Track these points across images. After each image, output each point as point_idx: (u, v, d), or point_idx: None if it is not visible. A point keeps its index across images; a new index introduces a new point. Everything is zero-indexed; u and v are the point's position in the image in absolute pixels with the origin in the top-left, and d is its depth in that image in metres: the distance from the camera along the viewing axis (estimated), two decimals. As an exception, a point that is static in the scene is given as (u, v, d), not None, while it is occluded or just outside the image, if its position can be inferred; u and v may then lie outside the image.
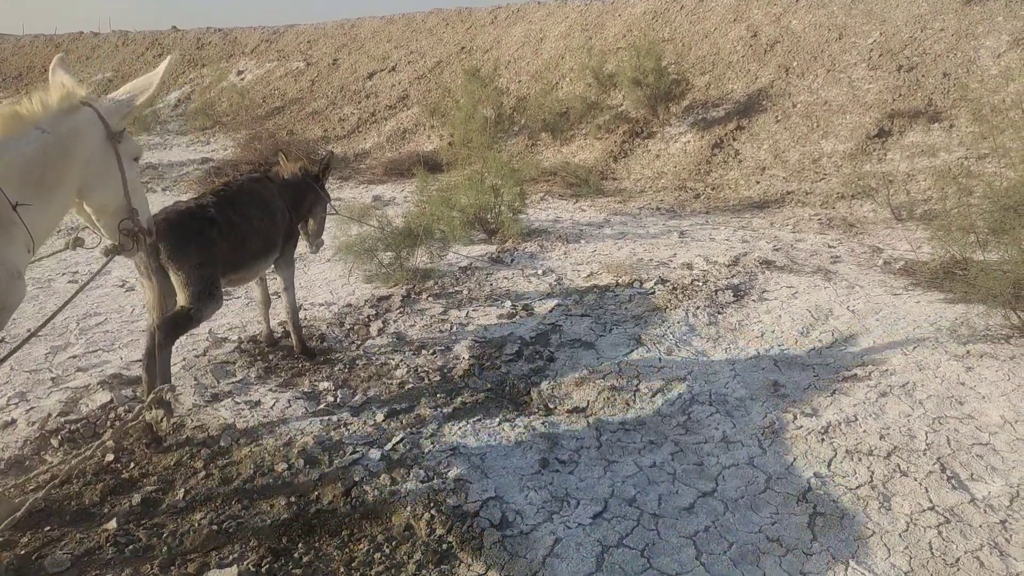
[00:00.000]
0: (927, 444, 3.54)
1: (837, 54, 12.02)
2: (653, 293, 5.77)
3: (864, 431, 3.69)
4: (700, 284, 5.93)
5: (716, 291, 5.75)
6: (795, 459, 3.49)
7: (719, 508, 3.14)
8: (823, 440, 3.63)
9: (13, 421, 3.94)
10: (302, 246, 5.12)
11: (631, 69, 11.89)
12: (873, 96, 10.81)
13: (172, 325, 3.71)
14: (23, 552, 2.89)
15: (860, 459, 3.46)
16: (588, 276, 6.31)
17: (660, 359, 4.63)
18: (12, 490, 3.29)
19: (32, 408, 4.06)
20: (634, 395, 4.18)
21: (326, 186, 5.06)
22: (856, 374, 4.33)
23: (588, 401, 4.14)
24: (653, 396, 4.17)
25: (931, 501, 3.14)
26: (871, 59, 11.55)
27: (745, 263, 6.48)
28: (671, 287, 5.87)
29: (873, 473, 3.35)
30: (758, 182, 9.89)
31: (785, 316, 5.24)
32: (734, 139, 11.10)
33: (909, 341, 4.70)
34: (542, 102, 12.87)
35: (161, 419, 3.63)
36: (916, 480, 3.28)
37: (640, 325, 5.18)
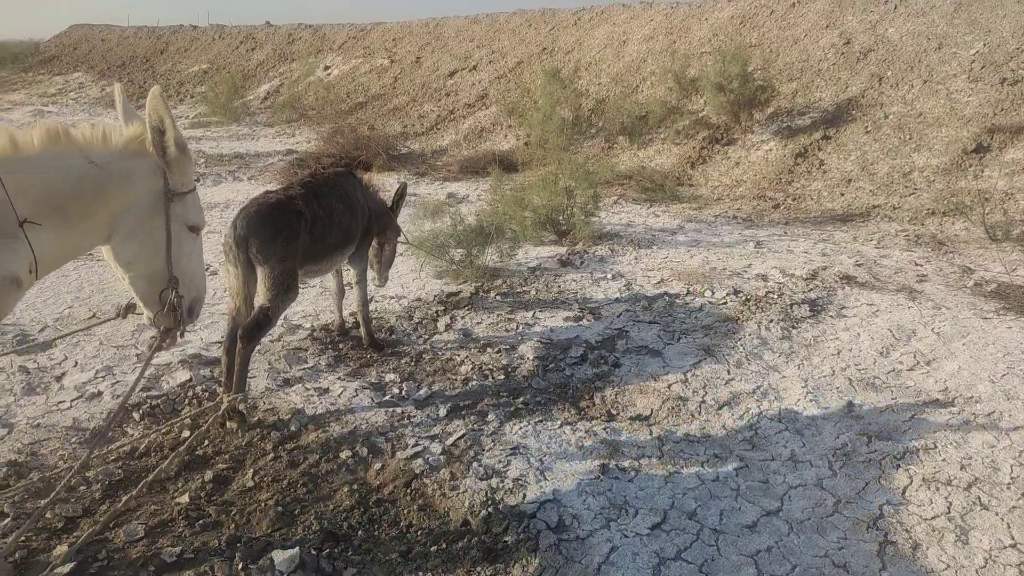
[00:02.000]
0: (1012, 478, 3.35)
1: (935, 64, 11.46)
2: (725, 303, 5.64)
3: (943, 459, 3.51)
4: (775, 297, 5.76)
5: (791, 305, 5.58)
6: (867, 484, 3.35)
7: (783, 528, 3.05)
8: (898, 466, 3.47)
9: (99, 393, 4.16)
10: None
11: (715, 74, 11.63)
12: (972, 109, 10.26)
13: (254, 328, 3.84)
14: (100, 520, 3.05)
15: (938, 488, 3.29)
16: (658, 283, 6.22)
17: (729, 371, 4.52)
18: (95, 459, 3.48)
19: (117, 382, 4.29)
20: (700, 407, 4.10)
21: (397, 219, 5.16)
22: (938, 399, 4.13)
23: (652, 409, 4.08)
24: (720, 409, 4.07)
25: (1013, 538, 2.96)
26: (972, 71, 10.97)
27: (824, 277, 6.26)
28: (744, 298, 5.72)
29: (951, 504, 3.19)
30: (842, 194, 9.54)
31: (864, 334, 5.04)
32: (819, 149, 10.73)
33: (998, 368, 4.45)
34: (621, 105, 12.75)
35: (236, 428, 3.78)
36: (998, 515, 3.10)
37: (710, 335, 5.07)
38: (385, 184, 8.62)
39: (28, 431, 3.74)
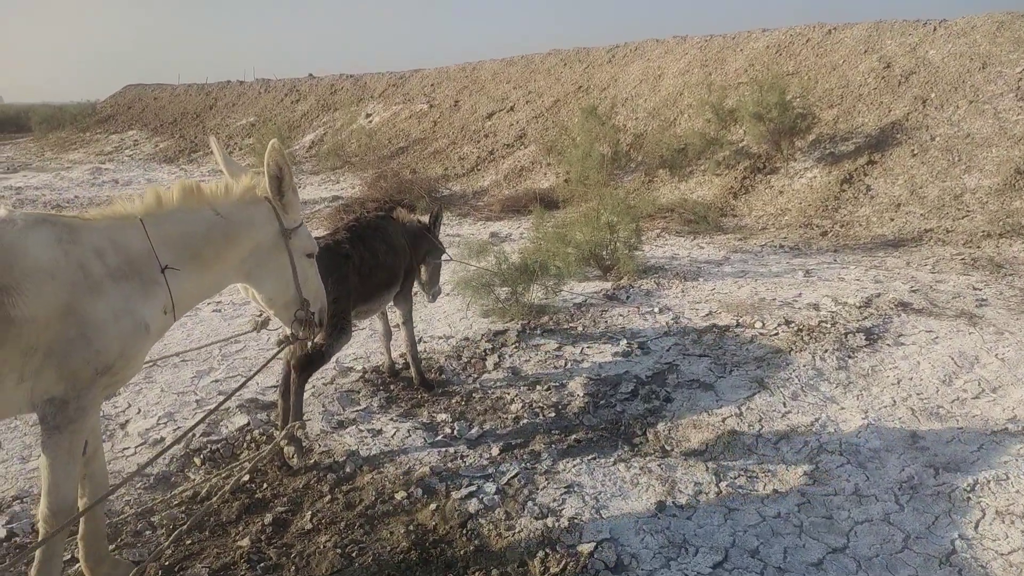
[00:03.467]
0: (1094, 510, 3.19)
1: (980, 84, 11.27)
2: (776, 334, 5.55)
3: (1017, 491, 3.37)
4: (828, 326, 5.65)
5: (846, 334, 5.46)
6: (937, 518, 3.23)
7: (851, 566, 2.95)
8: (969, 499, 3.34)
9: (162, 439, 4.27)
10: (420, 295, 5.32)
11: (753, 104, 11.62)
12: (1022, 128, 10.03)
13: (307, 364, 3.95)
14: (167, 563, 3.11)
15: (1013, 522, 3.15)
16: (707, 315, 6.16)
17: (785, 404, 4.44)
18: (160, 506, 3.56)
19: (179, 428, 4.40)
20: (756, 440, 4.02)
21: (439, 237, 5.24)
22: (1007, 428, 3.98)
23: (707, 444, 4.02)
24: (777, 443, 3.99)
25: (1100, 575, 2.81)
26: (1020, 89, 10.76)
27: (878, 304, 6.13)
28: (796, 328, 5.62)
29: (1029, 539, 3.05)
30: (892, 219, 9.36)
31: (924, 363, 4.90)
32: (865, 174, 10.58)
33: (1070, 394, 4.27)
34: (660, 138, 12.80)
35: (292, 455, 3.87)
36: (1082, 550, 2.96)
37: (762, 367, 4.99)
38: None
39: (95, 478, 3.84)
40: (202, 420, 3.27)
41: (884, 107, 11.83)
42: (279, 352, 3.40)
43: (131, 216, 2.56)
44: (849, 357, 5.08)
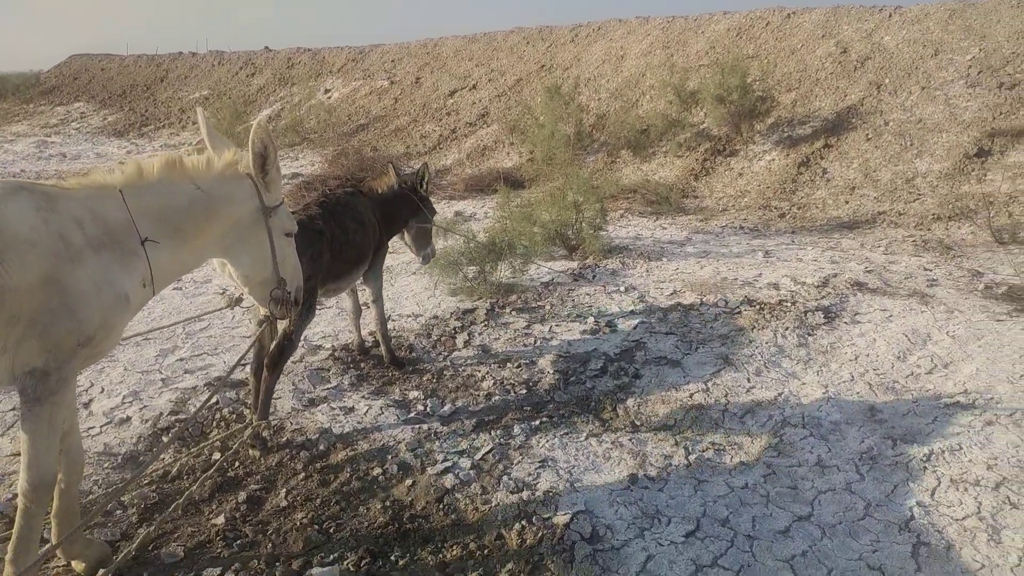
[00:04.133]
0: (1040, 478, 3.37)
1: (933, 71, 11.60)
2: (739, 313, 5.69)
3: (970, 460, 3.54)
4: (788, 305, 5.81)
5: (805, 312, 5.63)
6: (896, 487, 3.38)
7: (816, 533, 3.07)
8: (925, 468, 3.50)
9: (128, 419, 4.20)
10: (395, 259, 5.26)
11: (714, 86, 11.77)
12: (971, 114, 10.37)
13: (278, 356, 3.90)
14: (140, 543, 3.07)
15: (966, 489, 3.32)
16: (671, 294, 6.27)
17: (749, 379, 4.56)
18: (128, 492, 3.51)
19: (145, 407, 4.32)
20: (723, 415, 4.13)
21: (429, 198, 5.16)
22: (959, 401, 4.16)
23: (676, 419, 4.12)
24: (743, 417, 4.11)
25: (1046, 537, 2.99)
26: (969, 76, 11.10)
27: (835, 284, 6.31)
28: (758, 307, 5.77)
29: (981, 504, 3.21)
30: (847, 202, 9.62)
31: (880, 340, 5.08)
32: (822, 157, 10.83)
33: (1016, 369, 4.49)
34: (623, 119, 12.88)
35: (259, 457, 3.79)
36: (1029, 515, 3.13)
37: (727, 345, 5.11)
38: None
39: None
40: (209, 400, 3.21)
41: (840, 92, 12.10)
42: (259, 332, 3.39)
43: (110, 186, 2.53)
44: (809, 335, 5.24)
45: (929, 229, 8.38)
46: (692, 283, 6.55)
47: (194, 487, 3.31)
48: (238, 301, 3.36)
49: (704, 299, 6.06)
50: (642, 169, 12.21)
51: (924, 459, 3.57)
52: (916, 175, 9.78)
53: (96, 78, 31.35)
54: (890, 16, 13.39)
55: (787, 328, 5.33)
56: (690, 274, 6.90)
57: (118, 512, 3.32)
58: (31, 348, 2.32)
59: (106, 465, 3.72)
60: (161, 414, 4.22)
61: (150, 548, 3.05)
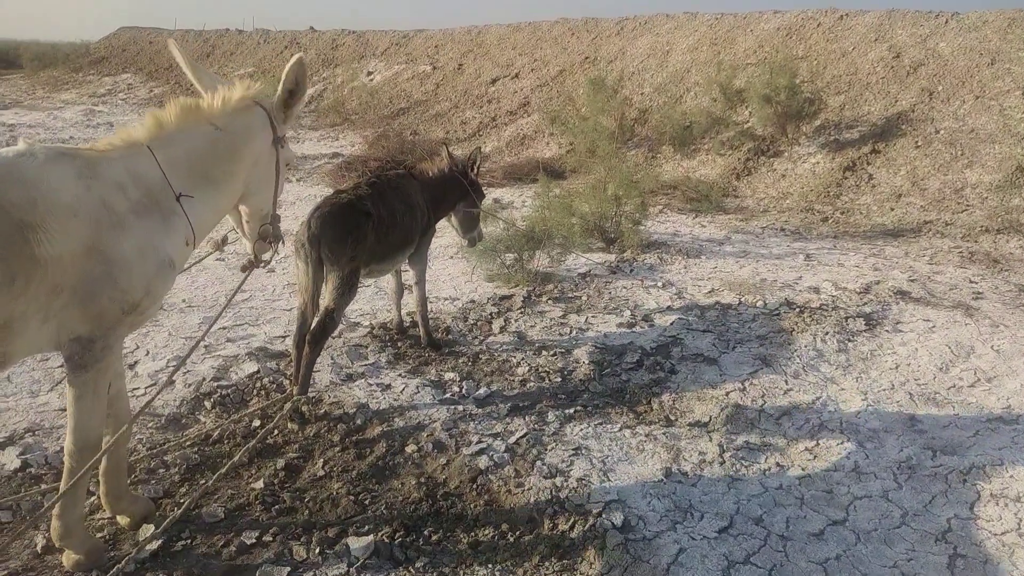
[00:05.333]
0: (1084, 498, 3.31)
1: (988, 80, 11.30)
2: (778, 314, 5.63)
3: (1011, 476, 3.49)
4: (829, 309, 5.74)
5: (846, 318, 5.55)
6: (934, 497, 3.34)
7: (850, 538, 3.05)
8: (965, 481, 3.45)
9: (172, 382, 4.29)
10: (434, 242, 5.28)
11: (762, 85, 11.59)
12: (1027, 126, 10.09)
13: (320, 333, 3.95)
14: (182, 502, 3.15)
15: (1007, 504, 3.27)
16: (709, 292, 6.23)
17: (787, 382, 4.53)
18: (172, 448, 3.60)
19: (188, 372, 4.42)
20: (759, 415, 4.11)
21: (477, 182, 5.17)
22: (1002, 417, 4.09)
23: (711, 416, 4.10)
24: (779, 418, 4.08)
25: (1089, 558, 2.93)
26: (1027, 86, 10.79)
27: (877, 292, 6.22)
28: (798, 310, 5.70)
29: (1021, 520, 3.16)
30: (892, 209, 9.44)
31: (922, 350, 5.00)
32: (868, 163, 10.64)
33: (1064, 388, 4.39)
34: (666, 114, 12.75)
35: (297, 429, 3.82)
36: (1071, 534, 3.07)
37: (765, 346, 5.07)
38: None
39: (106, 415, 3.88)
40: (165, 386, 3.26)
41: (891, 97, 11.85)
42: (246, 278, 3.18)
43: (138, 143, 2.47)
44: (849, 341, 5.18)
45: (976, 241, 8.19)
46: (730, 282, 6.50)
47: (237, 456, 3.37)
48: (224, 241, 3.17)
49: (743, 299, 6.01)
50: (683, 165, 12.10)
51: (964, 472, 3.51)
52: (965, 185, 9.56)
53: (144, 51, 31.86)
54: (946, 22, 13.07)
55: (827, 333, 5.27)
56: (728, 273, 6.84)
57: (161, 471, 3.41)
58: (75, 316, 2.30)
59: (150, 425, 3.82)
60: (204, 379, 4.32)
61: (192, 508, 3.13)
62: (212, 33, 32.27)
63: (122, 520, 2.97)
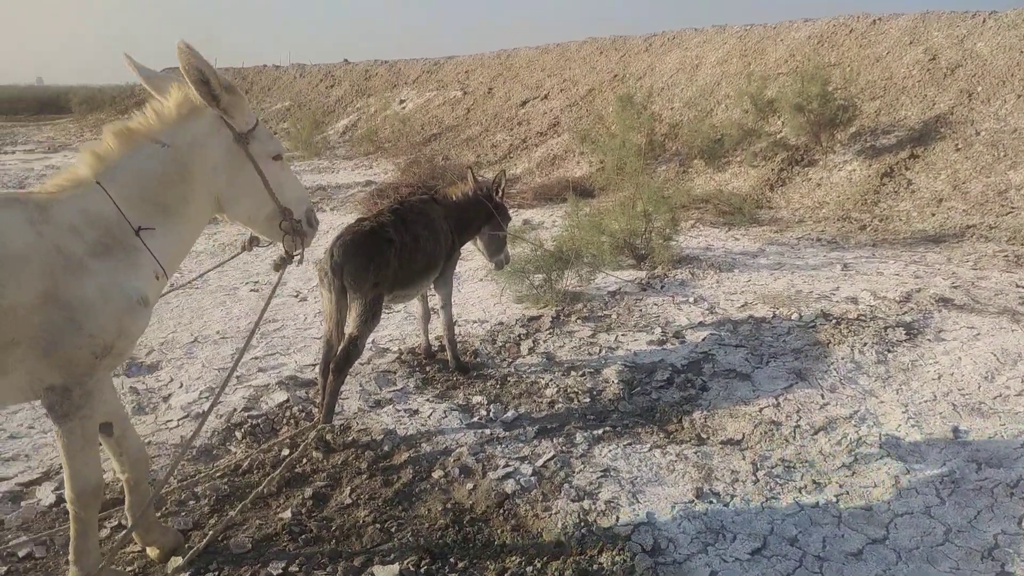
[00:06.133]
0: None
1: (1030, 77, 10.97)
2: (814, 327, 5.50)
3: (1064, 490, 3.31)
4: (867, 320, 5.58)
5: (885, 328, 5.39)
6: (979, 512, 3.19)
7: (891, 557, 2.93)
8: (1012, 495, 3.30)
9: (204, 413, 4.35)
10: (463, 266, 5.29)
11: (793, 95, 11.45)
12: (1073, 122, 9.76)
13: (343, 361, 3.99)
14: (209, 539, 3.18)
15: (1059, 520, 3.10)
16: (742, 306, 6.11)
17: (823, 396, 4.40)
18: (201, 481, 3.64)
19: (220, 403, 4.48)
20: (794, 431, 3.99)
21: (503, 205, 5.16)
22: (1053, 426, 3.90)
23: (744, 434, 4.00)
24: (815, 434, 3.96)
25: None
26: (1071, 82, 10.45)
27: (918, 300, 6.03)
28: (834, 321, 5.56)
29: (1075, 537, 3.00)
30: (933, 214, 9.18)
31: (966, 358, 4.82)
32: (907, 168, 10.39)
33: (1120, 394, 4.18)
34: (696, 128, 12.67)
35: (321, 459, 3.81)
36: None
37: (800, 359, 4.94)
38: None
39: (140, 448, 3.95)
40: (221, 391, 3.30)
41: (928, 100, 11.59)
42: (281, 275, 3.03)
43: (87, 180, 2.34)
44: (889, 351, 5.02)
45: (1023, 244, 7.91)
46: (764, 295, 6.37)
47: (262, 485, 3.39)
48: (254, 242, 2.98)
49: (777, 312, 5.88)
50: (715, 179, 11.98)
51: (1011, 485, 3.35)
52: (1009, 187, 9.26)
53: (187, 90, 32.86)
54: (984, 21, 12.76)
55: (865, 344, 5.12)
56: (763, 286, 6.71)
57: (191, 503, 3.45)
58: (40, 367, 2.20)
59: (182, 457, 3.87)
60: (235, 410, 4.37)
61: (219, 538, 3.15)
62: (250, 70, 33.21)
63: (151, 552, 3.00)
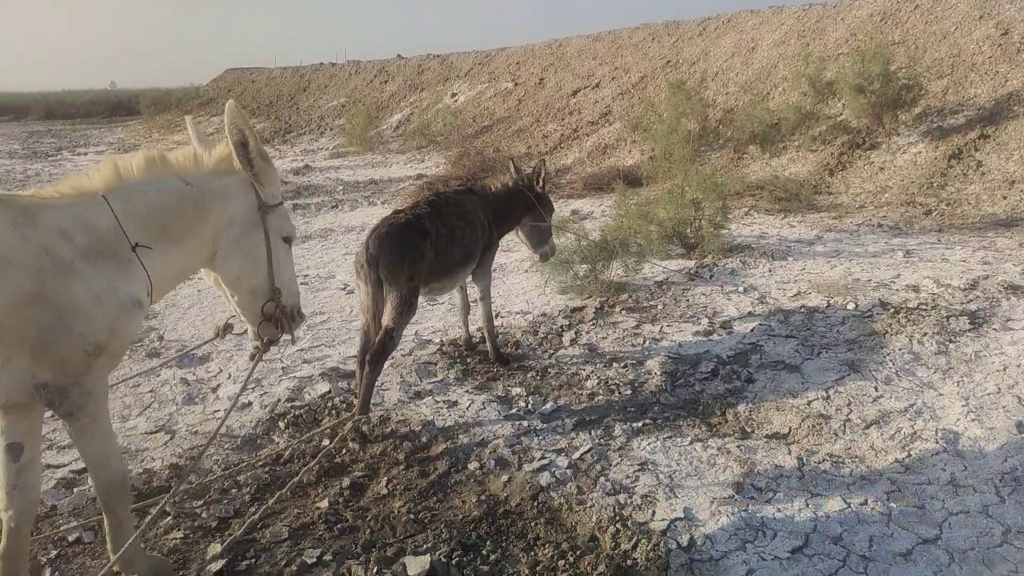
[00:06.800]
0: None
1: (1114, 49, 10.28)
2: (871, 316, 5.27)
3: None
4: (928, 309, 5.32)
5: (948, 317, 5.13)
6: (1043, 514, 2.99)
7: (943, 558, 2.77)
8: (1082, 495, 3.08)
9: (249, 404, 4.45)
10: (507, 257, 5.26)
11: (854, 75, 10.99)
12: None
13: (379, 353, 4.00)
14: (248, 520, 3.23)
15: None
16: (795, 295, 5.91)
17: (877, 388, 4.21)
18: (243, 467, 3.71)
19: (265, 393, 4.57)
20: (844, 425, 3.83)
21: (544, 195, 5.09)
22: None
23: (790, 427, 3.86)
24: (867, 428, 3.79)
25: None
26: None
27: (985, 287, 5.72)
28: (892, 311, 5.32)
29: None
30: (1005, 197, 8.70)
31: (1035, 349, 4.54)
32: (976, 149, 9.87)
33: None
34: (751, 113, 12.30)
35: (358, 449, 3.84)
36: None
37: (854, 350, 4.75)
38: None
39: (187, 437, 4.06)
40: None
41: (1000, 77, 10.98)
42: (254, 368, 3.05)
43: (92, 192, 2.37)
44: (950, 341, 4.77)
45: (1104, 227, 7.42)
46: (819, 284, 6.14)
47: (297, 476, 3.44)
48: (228, 328, 3.00)
49: (831, 301, 5.66)
50: (771, 165, 11.62)
51: (1081, 484, 3.14)
52: (1090, 167, 8.70)
53: (247, 89, 33.82)
54: (1062, -9, 12.01)
55: (925, 334, 4.88)
56: (818, 274, 6.48)
57: (233, 491, 3.52)
58: (28, 367, 2.21)
59: (226, 446, 3.96)
60: (279, 400, 4.45)
61: (259, 526, 3.21)
62: (307, 68, 33.87)
63: None
